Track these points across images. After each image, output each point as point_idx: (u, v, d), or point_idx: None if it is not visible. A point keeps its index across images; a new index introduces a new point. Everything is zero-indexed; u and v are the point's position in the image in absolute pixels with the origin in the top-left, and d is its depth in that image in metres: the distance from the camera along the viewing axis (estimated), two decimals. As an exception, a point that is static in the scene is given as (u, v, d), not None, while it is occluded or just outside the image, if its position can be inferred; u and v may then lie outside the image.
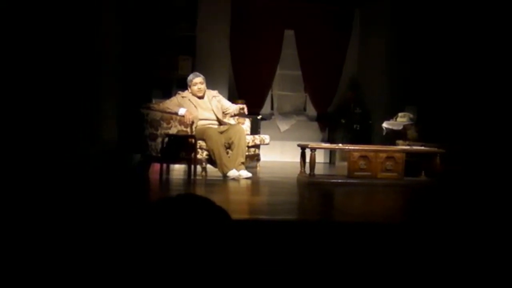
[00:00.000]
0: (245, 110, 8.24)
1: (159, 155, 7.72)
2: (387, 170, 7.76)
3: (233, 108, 8.40)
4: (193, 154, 7.62)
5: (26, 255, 3.24)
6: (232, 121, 8.37)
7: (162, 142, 7.62)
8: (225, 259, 1.51)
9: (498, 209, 5.62)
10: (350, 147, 8.09)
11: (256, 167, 8.57)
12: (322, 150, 11.27)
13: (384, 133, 9.96)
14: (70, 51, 7.34)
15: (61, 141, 7.08)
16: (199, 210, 1.55)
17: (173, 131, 7.80)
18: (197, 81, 8.17)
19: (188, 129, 7.80)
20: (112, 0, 8.63)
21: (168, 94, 9.63)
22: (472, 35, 9.08)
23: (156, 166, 7.95)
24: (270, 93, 12.44)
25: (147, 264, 1.48)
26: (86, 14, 7.64)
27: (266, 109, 12.37)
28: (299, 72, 12.39)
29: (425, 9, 10.10)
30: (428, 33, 9.98)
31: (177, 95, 8.32)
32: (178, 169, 8.59)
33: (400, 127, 9.66)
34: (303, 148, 8.02)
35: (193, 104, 8.07)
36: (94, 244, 3.27)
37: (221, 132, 7.88)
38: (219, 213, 1.57)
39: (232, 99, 10.93)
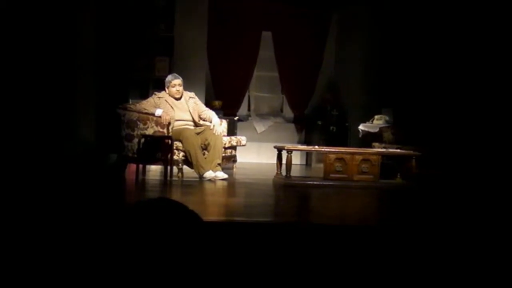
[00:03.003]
0: (215, 130, 8.09)
1: (136, 155, 7.69)
2: (363, 173, 7.79)
3: (208, 114, 8.34)
4: (169, 155, 7.60)
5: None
6: (208, 122, 8.35)
7: (139, 142, 7.60)
8: (198, 263, 1.51)
9: (473, 211, 5.66)
10: (326, 149, 8.11)
11: (232, 168, 8.57)
12: (299, 152, 11.26)
13: (360, 136, 10.00)
14: (45, 52, 7.30)
15: (37, 142, 7.03)
16: (171, 214, 1.55)
17: (149, 131, 7.78)
18: (175, 83, 8.15)
19: (165, 130, 7.79)
20: (89, 0, 8.59)
21: (145, 95, 9.61)
22: (448, 38, 9.15)
23: (132, 167, 7.92)
24: (247, 94, 12.42)
25: (119, 269, 1.48)
26: (62, 15, 7.60)
27: (243, 110, 12.35)
28: (276, 74, 12.38)
29: (402, 13, 10.16)
30: (404, 36, 10.04)
31: (153, 96, 8.29)
32: (154, 170, 8.57)
33: (376, 130, 9.70)
34: (279, 150, 8.03)
35: (169, 104, 8.05)
36: (69, 245, 3.26)
37: (198, 133, 7.87)
38: (191, 217, 1.58)
39: (209, 100, 10.93)
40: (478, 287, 3.70)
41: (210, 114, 8.35)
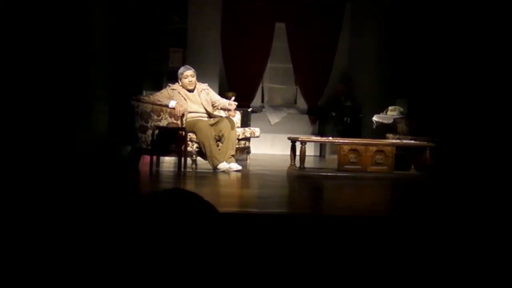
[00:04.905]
0: (233, 106, 8.16)
1: (150, 147, 7.71)
2: (377, 164, 7.78)
3: (222, 102, 8.37)
4: (183, 147, 7.62)
5: (12, 249, 3.23)
6: (222, 113, 8.35)
7: (153, 134, 7.62)
8: (213, 253, 1.52)
9: (486, 203, 5.64)
10: (340, 141, 8.10)
11: (246, 159, 8.57)
12: (312, 143, 11.26)
13: (374, 127, 9.96)
14: (59, 44, 7.32)
15: (51, 134, 7.06)
16: (186, 204, 1.55)
17: (163, 123, 7.79)
18: (188, 74, 8.15)
19: (179, 122, 7.80)
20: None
21: (159, 87, 9.62)
22: (462, 29, 9.09)
23: (146, 158, 7.94)
24: (260, 85, 12.41)
25: (134, 259, 1.49)
26: (75, 6, 7.61)
27: (256, 101, 12.35)
28: (290, 65, 12.36)
29: (416, 3, 10.10)
30: (419, 27, 9.98)
31: (167, 88, 8.30)
32: (168, 162, 8.59)
33: (390, 121, 9.66)
34: (293, 141, 8.03)
35: (182, 96, 8.05)
36: (82, 237, 3.27)
37: (212, 125, 7.88)
38: (206, 208, 1.58)
39: (222, 91, 10.93)
40: (488, 278, 3.69)
41: (225, 102, 8.34)
